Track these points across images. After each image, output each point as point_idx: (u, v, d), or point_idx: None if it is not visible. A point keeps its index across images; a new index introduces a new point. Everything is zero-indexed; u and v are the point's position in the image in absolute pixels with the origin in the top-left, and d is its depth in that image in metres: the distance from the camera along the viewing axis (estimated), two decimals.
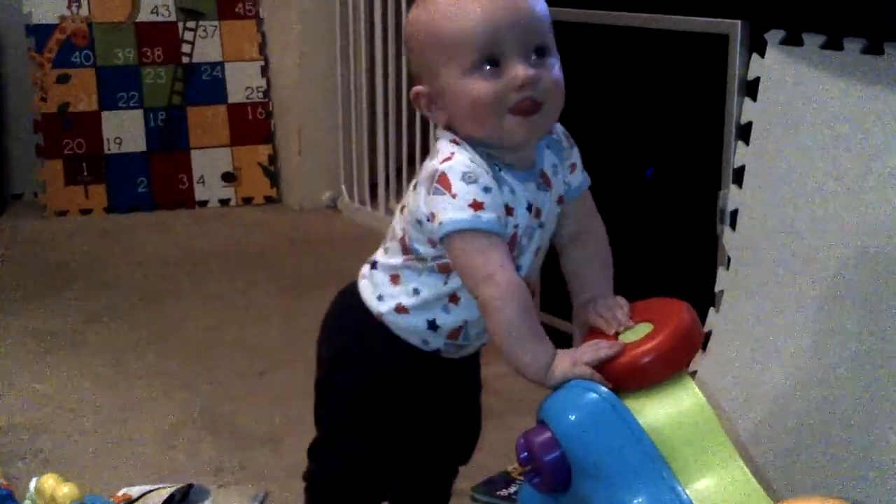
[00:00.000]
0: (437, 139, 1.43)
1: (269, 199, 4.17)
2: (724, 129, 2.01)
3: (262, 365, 2.60)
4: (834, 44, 1.83)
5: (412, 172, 3.70)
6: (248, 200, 4.15)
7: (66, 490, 1.63)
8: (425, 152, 3.61)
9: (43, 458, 2.11)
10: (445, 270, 1.41)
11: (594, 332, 1.42)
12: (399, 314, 1.46)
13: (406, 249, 1.43)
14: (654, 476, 1.25)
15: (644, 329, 1.35)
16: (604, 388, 1.29)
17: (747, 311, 1.95)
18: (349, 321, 1.52)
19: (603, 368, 1.33)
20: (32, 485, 1.69)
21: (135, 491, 1.89)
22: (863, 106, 1.78)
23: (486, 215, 1.33)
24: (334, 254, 3.52)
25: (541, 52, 1.36)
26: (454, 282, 1.41)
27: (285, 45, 4.08)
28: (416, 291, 1.44)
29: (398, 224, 1.46)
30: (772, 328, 1.90)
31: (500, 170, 1.38)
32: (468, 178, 1.34)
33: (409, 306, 1.45)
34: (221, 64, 4.13)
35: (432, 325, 1.45)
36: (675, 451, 1.28)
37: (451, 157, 1.36)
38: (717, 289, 2.02)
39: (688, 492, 1.24)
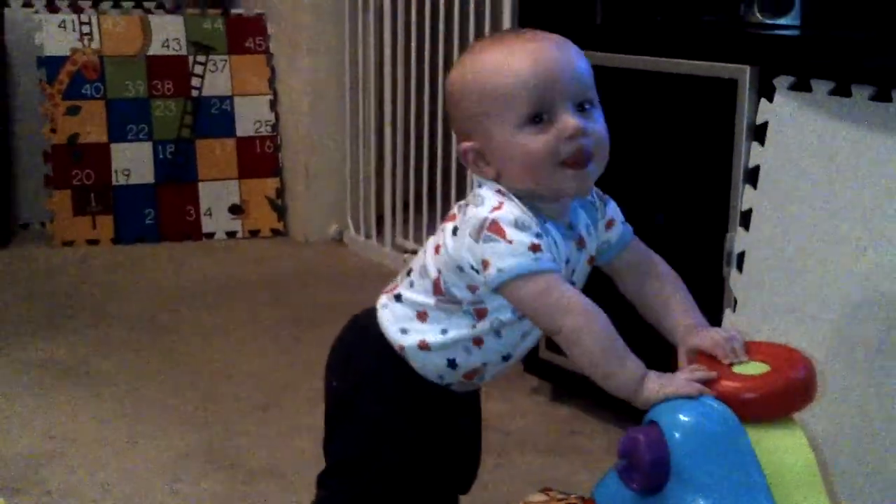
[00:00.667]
0: (477, 186, 1.43)
1: (275, 232, 4.19)
2: (731, 172, 2.03)
3: (266, 399, 2.60)
4: (842, 90, 1.85)
5: (419, 207, 3.72)
6: (254, 233, 4.17)
7: None
8: (432, 187, 3.63)
9: (46, 491, 2.11)
10: (480, 315, 1.43)
11: (705, 359, 1.38)
12: (421, 350, 1.47)
13: (439, 290, 1.44)
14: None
15: (760, 367, 1.33)
16: (733, 415, 1.27)
17: None
18: (366, 350, 1.53)
19: (721, 395, 1.30)
20: None
21: None
22: (870, 152, 1.80)
23: (545, 256, 1.35)
24: (340, 287, 3.53)
25: (586, 105, 1.39)
26: (483, 325, 1.43)
27: (294, 80, 4.11)
28: (444, 331, 1.45)
29: (431, 264, 1.46)
30: None
31: (545, 222, 1.39)
32: (521, 226, 1.36)
33: (432, 344, 1.46)
34: (231, 98, 4.16)
35: (452, 364, 1.47)
36: (779, 492, 1.25)
37: (500, 207, 1.37)
38: None
39: None
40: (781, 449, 1.28)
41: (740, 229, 2.00)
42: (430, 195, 3.68)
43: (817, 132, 1.88)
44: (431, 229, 1.43)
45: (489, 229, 1.36)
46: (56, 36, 4.00)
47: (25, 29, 4.04)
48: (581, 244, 1.46)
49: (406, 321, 1.48)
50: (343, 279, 3.67)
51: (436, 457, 1.58)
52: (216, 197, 4.13)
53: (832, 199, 1.85)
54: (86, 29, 4.03)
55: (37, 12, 4.04)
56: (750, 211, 1.99)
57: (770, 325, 1.93)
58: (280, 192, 4.20)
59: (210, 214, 4.12)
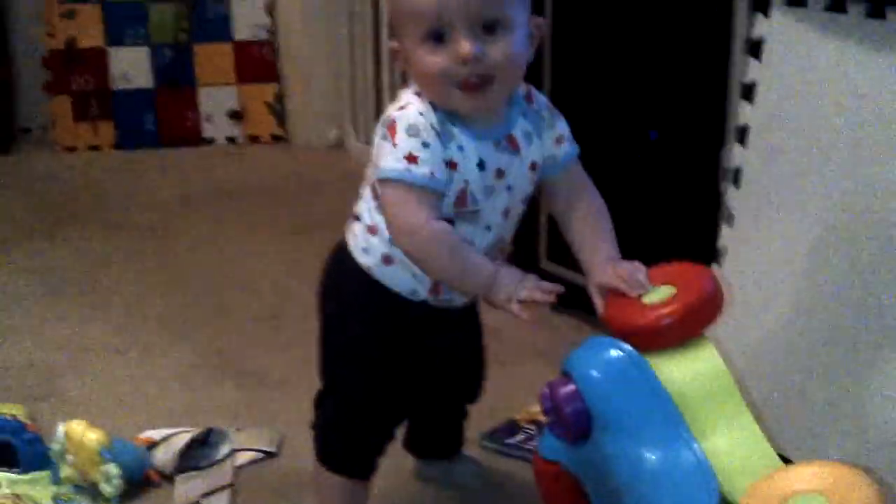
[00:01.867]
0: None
1: (275, 138, 4.20)
2: (728, 88, 2.06)
3: (271, 307, 2.66)
4: (838, 6, 1.87)
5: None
6: (254, 139, 4.18)
7: (94, 436, 1.70)
8: None
9: (63, 400, 2.18)
10: None
11: (614, 294, 1.45)
12: (387, 266, 1.52)
13: (375, 194, 1.50)
14: (672, 432, 1.31)
15: (667, 291, 1.40)
16: (628, 346, 1.35)
17: (749, 266, 2.01)
18: (342, 274, 1.59)
19: (626, 330, 1.38)
20: (60, 430, 1.75)
21: (157, 434, 1.95)
22: (864, 69, 1.83)
23: (419, 170, 1.40)
24: (340, 193, 3.53)
25: (491, 27, 1.39)
26: None
27: None
28: (391, 240, 1.50)
29: (369, 169, 1.52)
30: (773, 283, 1.96)
31: (453, 125, 1.44)
32: (411, 131, 1.41)
33: (394, 256, 1.51)
34: (227, 1, 4.12)
35: (415, 276, 1.52)
36: (693, 410, 1.33)
37: (405, 107, 1.44)
38: (719, 244, 2.08)
39: (704, 450, 1.30)
40: (695, 368, 1.36)
41: (737, 145, 2.04)
42: None
43: (813, 49, 1.90)
44: None
45: (387, 127, 1.43)
46: None
47: None
48: (514, 146, 1.49)
49: (363, 239, 1.54)
50: (343, 185, 3.68)
51: (425, 369, 1.64)
52: (215, 102, 4.14)
53: (827, 114, 1.88)
54: None
55: None
56: (746, 126, 2.02)
57: (766, 241, 1.98)
58: (279, 98, 4.21)
59: (210, 120, 4.14)
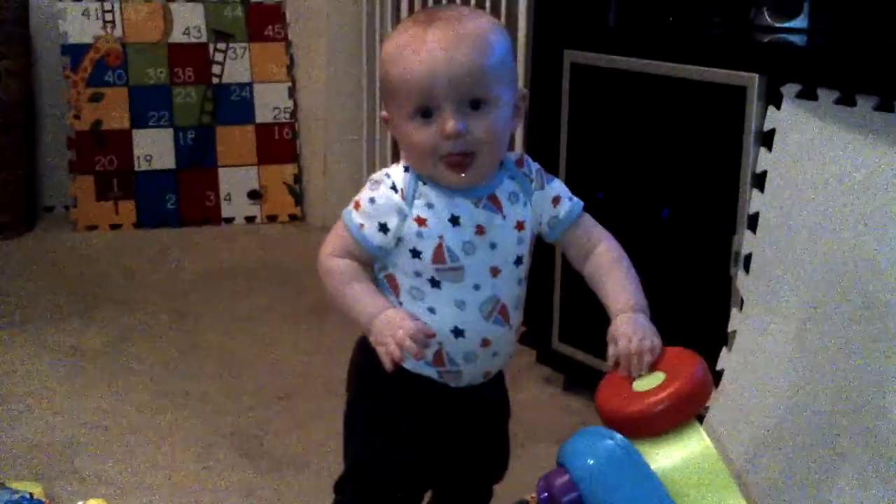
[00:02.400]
0: None
1: (293, 217, 4.27)
2: (739, 176, 2.09)
3: (288, 387, 2.69)
4: (847, 100, 1.91)
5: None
6: (272, 218, 4.25)
7: None
8: None
9: (82, 479, 2.19)
10: (394, 286, 1.53)
11: (609, 376, 1.50)
12: None
13: (392, 282, 1.55)
14: None
15: (657, 378, 1.43)
16: (619, 435, 1.38)
17: (759, 351, 2.03)
18: (365, 358, 1.59)
19: (617, 417, 1.41)
20: None
21: None
22: (873, 160, 1.86)
23: (356, 218, 1.49)
24: None
25: (476, 104, 1.45)
26: (405, 298, 1.52)
27: (312, 67, 4.18)
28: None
29: None
30: (783, 368, 1.98)
31: (424, 183, 1.50)
32: (372, 185, 1.50)
33: None
34: (250, 85, 4.23)
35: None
36: (684, 493, 1.36)
37: (382, 170, 1.53)
38: (729, 329, 2.10)
39: None
40: (686, 455, 1.39)
41: (747, 231, 2.07)
42: None
43: (823, 139, 1.94)
44: None
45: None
46: (79, 24, 4.08)
47: (49, 16, 4.11)
48: (497, 205, 1.52)
49: None
50: None
51: (445, 456, 1.65)
52: (235, 182, 4.21)
53: (836, 204, 1.92)
54: (108, 17, 4.11)
55: (60, 0, 4.10)
56: (757, 214, 2.05)
57: (775, 325, 2.00)
58: (298, 178, 4.27)
59: (229, 200, 4.21)
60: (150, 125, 4.13)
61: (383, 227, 1.48)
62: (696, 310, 2.23)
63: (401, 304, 1.52)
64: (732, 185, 2.11)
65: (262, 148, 4.24)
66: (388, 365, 1.43)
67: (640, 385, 1.44)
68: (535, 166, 1.59)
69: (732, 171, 2.10)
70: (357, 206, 1.49)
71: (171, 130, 4.15)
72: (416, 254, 1.49)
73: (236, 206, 4.22)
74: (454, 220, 1.49)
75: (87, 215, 4.08)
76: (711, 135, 2.17)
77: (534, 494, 2.08)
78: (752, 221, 2.07)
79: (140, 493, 2.15)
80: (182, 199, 4.16)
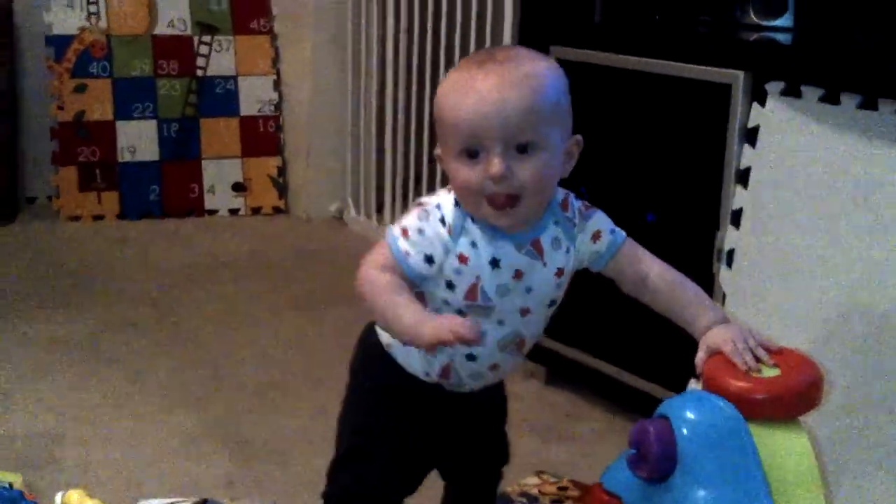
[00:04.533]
0: None
1: (277, 210, 4.27)
2: (723, 172, 2.10)
3: (271, 379, 2.68)
4: (831, 98, 1.92)
5: (418, 188, 3.79)
6: (256, 210, 4.24)
7: None
8: (432, 169, 3.70)
9: (61, 469, 2.19)
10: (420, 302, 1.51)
11: (721, 361, 1.46)
12: (404, 345, 1.54)
13: None
14: (756, 502, 1.32)
15: (770, 372, 1.42)
16: (741, 417, 1.36)
17: None
18: (366, 355, 1.63)
19: (727, 391, 1.39)
20: (58, 499, 1.77)
21: (152, 503, 1.97)
22: (855, 157, 1.87)
23: (402, 245, 1.48)
24: (340, 267, 3.60)
25: (523, 148, 1.44)
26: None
27: (297, 61, 4.17)
28: None
29: None
30: None
31: (473, 222, 1.49)
32: (420, 214, 1.50)
33: None
34: (235, 78, 4.23)
35: (428, 360, 1.56)
36: (779, 491, 1.34)
37: (433, 196, 1.52)
38: None
39: None
40: (785, 449, 1.37)
41: (731, 228, 2.08)
42: (430, 176, 3.75)
43: (806, 137, 1.95)
44: None
45: (413, 205, 1.53)
46: (64, 15, 4.07)
47: (34, 7, 4.10)
48: (538, 251, 1.52)
49: None
50: (343, 259, 3.73)
51: (446, 449, 1.67)
52: (219, 174, 4.21)
53: (819, 201, 1.93)
54: (93, 8, 4.09)
55: None
56: (740, 210, 2.06)
57: (757, 321, 2.01)
58: (282, 171, 4.27)
59: (213, 192, 4.20)
60: (134, 117, 4.13)
61: (429, 259, 1.48)
62: None
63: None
64: (716, 182, 2.11)
65: (246, 140, 4.23)
66: (464, 331, 1.36)
67: (756, 374, 1.42)
68: (577, 206, 1.58)
69: (716, 168, 2.11)
70: (405, 233, 1.48)
71: (154, 122, 4.14)
72: (450, 286, 1.50)
73: (220, 198, 4.21)
74: (494, 263, 1.49)
75: (70, 206, 4.06)
76: (696, 131, 2.18)
77: (511, 488, 2.09)
78: (736, 218, 2.08)
79: (118, 482, 2.14)
80: (165, 190, 4.15)
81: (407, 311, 1.42)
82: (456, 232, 1.48)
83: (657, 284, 1.58)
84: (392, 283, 1.46)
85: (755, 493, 1.33)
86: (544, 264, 1.53)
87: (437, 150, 1.53)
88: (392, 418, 1.61)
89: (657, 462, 1.37)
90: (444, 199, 1.51)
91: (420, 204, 1.52)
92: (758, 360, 1.43)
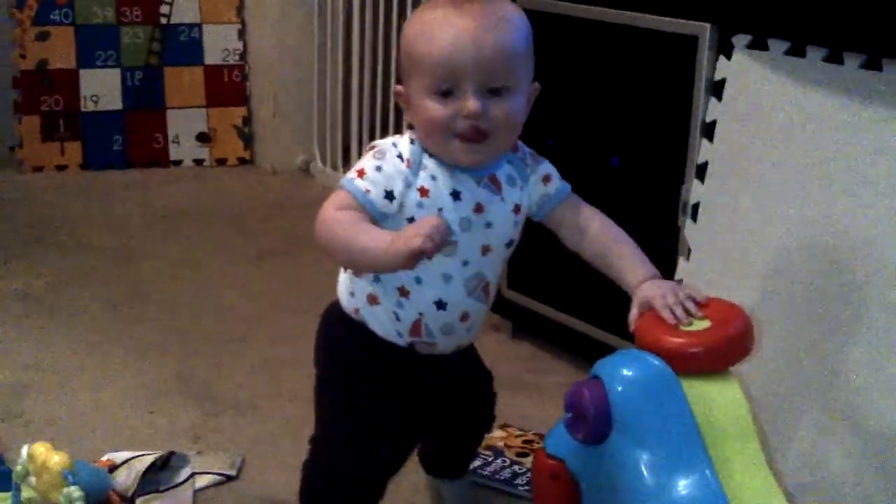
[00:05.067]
0: None
1: (242, 161, 4.24)
2: (689, 125, 2.10)
3: (235, 330, 2.68)
4: (797, 51, 1.92)
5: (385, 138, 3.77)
6: (221, 161, 4.21)
7: (57, 458, 1.71)
8: (398, 119, 3.69)
9: (27, 422, 2.19)
10: None
11: (653, 317, 1.47)
12: (372, 305, 1.56)
13: None
14: (692, 455, 1.33)
15: (702, 324, 1.43)
16: (669, 370, 1.37)
17: None
18: (334, 326, 1.62)
19: (658, 347, 1.40)
20: (24, 451, 1.76)
21: (118, 457, 1.97)
22: (820, 111, 1.88)
23: (360, 183, 1.47)
24: (305, 219, 3.55)
25: (496, 91, 1.45)
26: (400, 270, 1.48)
27: (263, 9, 4.13)
28: (375, 279, 1.54)
29: None
30: None
31: (429, 157, 1.50)
32: (376, 154, 1.50)
33: (377, 294, 1.55)
34: (199, 25, 4.17)
35: (397, 318, 1.55)
36: (712, 440, 1.35)
37: (385, 139, 1.53)
38: (676, 277, 2.12)
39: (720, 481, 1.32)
40: (718, 401, 1.38)
41: (696, 181, 2.09)
42: (396, 127, 3.73)
43: (772, 90, 1.95)
44: None
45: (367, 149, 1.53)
46: None
47: None
48: (496, 186, 1.54)
49: (350, 283, 1.58)
50: (309, 211, 3.65)
51: (428, 413, 1.67)
52: (184, 124, 4.17)
53: (783, 153, 1.93)
54: None
55: None
56: (706, 164, 2.07)
57: (721, 274, 2.02)
58: (247, 121, 4.24)
59: (178, 142, 4.16)
60: (97, 65, 4.07)
61: (389, 195, 1.48)
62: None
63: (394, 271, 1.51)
64: (682, 135, 2.12)
65: (211, 90, 4.19)
66: (436, 237, 1.35)
67: (684, 327, 1.43)
68: (527, 150, 1.61)
69: (682, 121, 2.11)
70: (361, 173, 1.47)
71: (118, 71, 4.10)
72: (413, 222, 1.48)
73: (185, 148, 4.18)
74: (455, 195, 1.50)
75: (33, 156, 4.02)
76: (662, 84, 2.17)
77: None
78: (701, 171, 2.08)
79: (86, 435, 2.14)
80: (129, 140, 4.11)
81: (372, 237, 1.42)
82: (415, 165, 1.49)
83: (596, 236, 1.60)
84: (350, 217, 1.45)
85: (691, 448, 1.34)
86: (502, 199, 1.55)
87: (399, 87, 1.53)
88: (370, 394, 1.61)
89: (593, 424, 1.38)
90: (398, 139, 1.52)
91: (373, 147, 1.52)
92: (688, 313, 1.44)
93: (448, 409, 1.71)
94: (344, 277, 1.60)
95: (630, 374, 1.38)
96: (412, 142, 1.51)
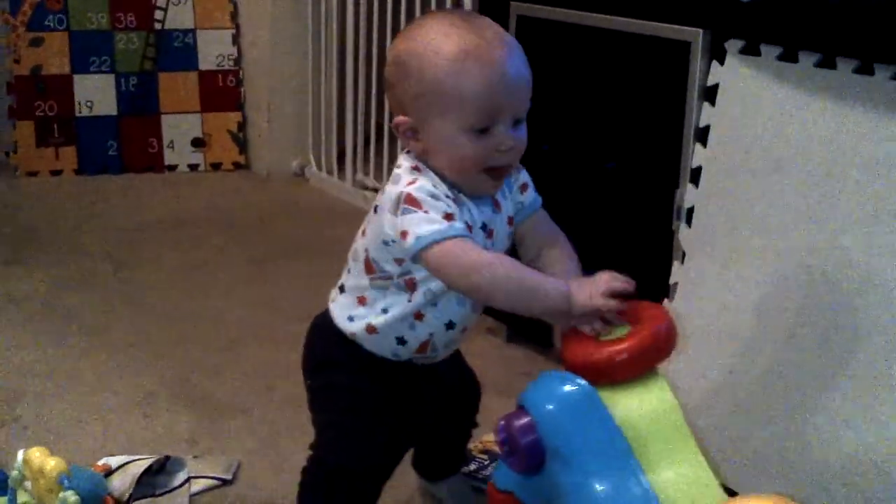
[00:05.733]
0: (397, 165, 1.51)
1: (237, 166, 4.25)
2: (683, 130, 2.11)
3: (230, 335, 2.68)
4: (790, 56, 1.93)
5: (379, 144, 3.78)
6: (216, 166, 4.22)
7: (52, 463, 1.71)
8: None
9: (23, 426, 2.19)
10: (411, 287, 1.51)
11: (573, 332, 1.48)
12: (370, 334, 1.56)
13: (370, 269, 1.53)
14: (621, 465, 1.35)
15: (622, 330, 1.44)
16: (582, 381, 1.40)
17: (700, 303, 2.06)
18: (324, 343, 1.63)
19: (580, 364, 1.42)
20: (20, 457, 1.76)
21: (114, 461, 1.97)
22: (812, 116, 1.88)
23: (458, 225, 1.43)
24: (301, 224, 3.60)
25: (519, 121, 1.47)
26: (418, 299, 1.52)
27: (257, 14, 4.14)
28: (384, 311, 1.54)
29: (360, 245, 1.55)
30: (722, 320, 2.01)
31: (459, 192, 1.49)
32: (435, 197, 1.44)
33: (378, 326, 1.55)
34: (193, 31, 4.18)
35: (401, 342, 1.56)
36: (643, 443, 1.37)
37: (415, 182, 1.46)
38: (671, 281, 2.13)
39: (651, 482, 1.34)
40: (647, 401, 1.40)
41: (690, 185, 2.09)
42: (391, 132, 3.73)
43: (765, 95, 1.96)
44: (392, 166, 1.52)
45: (406, 202, 1.43)
46: None
47: None
48: (497, 207, 1.55)
49: (350, 308, 1.57)
50: (304, 215, 3.73)
51: (421, 416, 1.68)
52: (178, 130, 4.18)
53: (776, 157, 1.94)
54: None
55: None
56: (700, 168, 2.07)
57: (715, 279, 2.03)
58: (242, 126, 4.24)
59: (172, 147, 4.17)
60: (92, 71, 4.08)
61: (468, 228, 1.47)
62: (638, 262, 2.24)
63: (409, 301, 1.52)
64: (676, 140, 2.12)
65: (205, 95, 4.20)
66: (613, 305, 1.41)
67: (606, 335, 1.45)
68: None
69: (676, 126, 2.12)
70: (449, 217, 1.42)
71: (112, 76, 4.11)
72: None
73: (179, 153, 4.19)
74: (483, 227, 1.52)
75: (27, 161, 4.03)
76: (656, 89, 2.18)
77: (473, 444, 2.11)
78: (695, 175, 2.09)
79: (80, 440, 2.14)
80: (124, 145, 4.12)
81: (545, 290, 1.42)
82: (458, 203, 1.48)
83: (551, 253, 1.60)
84: (506, 260, 1.44)
85: (619, 458, 1.36)
86: (501, 216, 1.56)
87: (403, 119, 1.49)
88: (366, 399, 1.61)
89: (527, 454, 1.40)
90: (432, 180, 1.47)
91: (410, 194, 1.44)
92: (607, 322, 1.45)
93: (440, 405, 1.72)
94: (342, 300, 1.59)
95: (551, 397, 1.40)
96: (440, 178, 1.47)
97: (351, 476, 1.62)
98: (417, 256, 1.44)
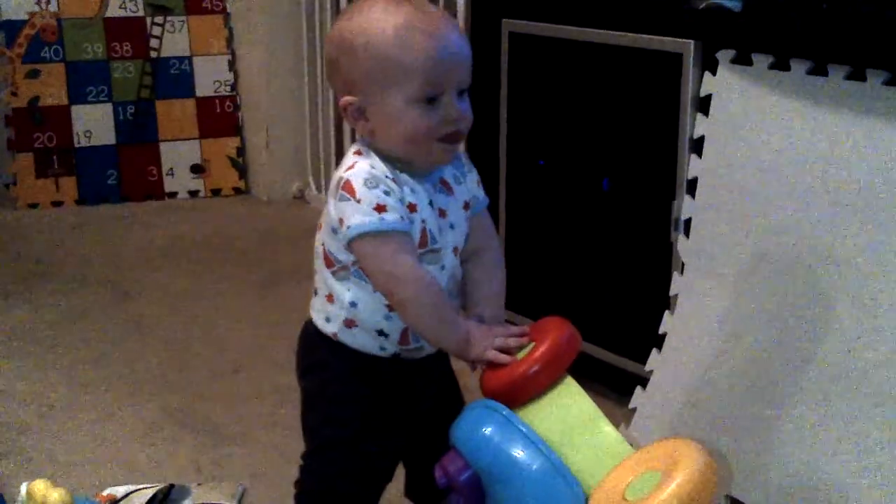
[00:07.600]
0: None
1: (237, 191, 4.25)
2: (677, 142, 2.11)
3: (234, 362, 2.68)
4: (781, 64, 1.93)
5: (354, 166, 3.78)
6: (216, 192, 4.23)
7: (56, 495, 1.71)
8: None
9: (27, 458, 2.19)
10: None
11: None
12: (350, 329, 1.55)
13: (329, 262, 1.52)
14: (548, 468, 1.39)
15: (527, 349, 1.48)
16: (499, 406, 1.44)
17: (700, 314, 2.06)
18: (311, 347, 1.61)
19: (497, 391, 1.46)
20: (23, 489, 1.77)
21: (119, 491, 1.97)
22: (806, 123, 1.89)
23: (390, 216, 1.44)
24: (302, 247, 3.58)
25: (463, 92, 1.48)
26: None
27: (252, 40, 4.15)
28: (353, 304, 1.53)
29: (318, 240, 1.55)
30: (722, 330, 2.01)
31: (399, 171, 1.49)
32: (370, 184, 1.44)
33: (354, 320, 1.54)
34: (189, 58, 4.20)
35: (381, 333, 1.54)
36: (568, 440, 1.41)
37: (353, 166, 1.47)
38: (671, 293, 2.13)
39: (573, 470, 1.38)
40: (563, 401, 1.45)
41: (686, 196, 2.09)
42: None
43: (758, 104, 1.96)
44: None
45: (343, 188, 1.45)
46: None
47: None
48: (448, 188, 1.55)
49: (325, 309, 1.56)
50: (306, 239, 3.68)
51: (411, 428, 1.67)
52: (177, 157, 4.19)
53: (771, 166, 1.94)
54: None
55: None
56: (695, 179, 2.08)
57: (714, 289, 2.03)
58: (241, 151, 4.25)
59: (172, 174, 4.18)
60: (89, 101, 4.09)
61: (412, 207, 1.48)
62: (638, 275, 2.25)
63: (374, 291, 1.51)
64: (671, 151, 2.13)
65: (203, 121, 4.21)
66: (503, 359, 1.47)
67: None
68: (461, 150, 1.61)
69: (671, 137, 2.12)
70: (381, 208, 1.43)
71: (110, 105, 4.12)
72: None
73: (179, 180, 4.19)
74: (430, 204, 1.51)
75: (27, 193, 4.04)
76: (649, 101, 2.18)
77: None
78: (691, 186, 2.09)
79: (84, 470, 2.14)
80: (124, 174, 4.13)
81: (452, 326, 1.48)
82: (399, 183, 1.47)
83: (483, 259, 1.61)
84: (435, 287, 1.48)
85: (546, 462, 1.39)
86: (455, 199, 1.56)
87: (350, 98, 1.49)
88: (359, 402, 1.59)
89: (468, 490, 1.44)
90: (371, 162, 1.47)
91: (348, 180, 1.45)
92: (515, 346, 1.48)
93: (433, 405, 1.70)
94: (317, 303, 1.58)
95: (475, 432, 1.43)
96: (382, 159, 1.48)
97: (346, 489, 1.61)
98: (350, 245, 1.46)
